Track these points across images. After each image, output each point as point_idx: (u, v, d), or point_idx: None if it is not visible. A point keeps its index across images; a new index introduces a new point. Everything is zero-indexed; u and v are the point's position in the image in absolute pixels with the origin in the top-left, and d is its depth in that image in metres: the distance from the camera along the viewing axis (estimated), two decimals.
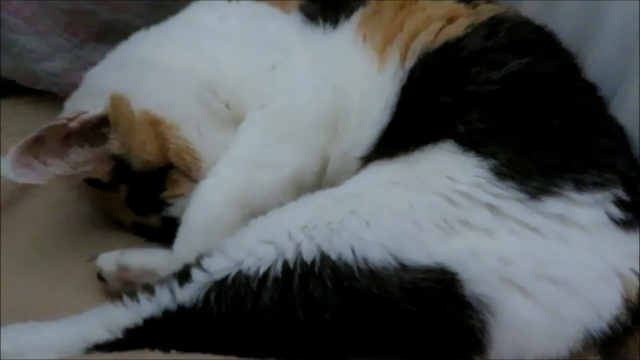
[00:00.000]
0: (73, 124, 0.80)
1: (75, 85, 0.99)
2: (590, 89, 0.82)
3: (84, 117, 0.81)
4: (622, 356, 0.71)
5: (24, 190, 0.93)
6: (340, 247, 0.66)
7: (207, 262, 0.69)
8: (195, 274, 0.68)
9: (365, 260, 0.65)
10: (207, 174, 0.81)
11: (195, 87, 0.86)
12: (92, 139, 0.82)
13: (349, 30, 0.88)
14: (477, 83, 0.76)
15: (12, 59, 1.04)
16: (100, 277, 0.82)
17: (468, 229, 0.68)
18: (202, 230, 0.78)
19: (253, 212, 0.76)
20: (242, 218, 0.76)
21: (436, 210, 0.68)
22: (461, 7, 0.87)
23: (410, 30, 0.84)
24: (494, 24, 0.83)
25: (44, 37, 1.04)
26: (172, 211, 0.84)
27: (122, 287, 0.78)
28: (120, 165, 0.83)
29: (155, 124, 0.83)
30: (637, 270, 0.69)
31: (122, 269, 0.80)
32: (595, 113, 0.79)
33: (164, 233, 0.83)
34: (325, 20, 0.90)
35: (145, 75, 0.87)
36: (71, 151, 0.81)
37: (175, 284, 0.68)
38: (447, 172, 0.70)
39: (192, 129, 0.84)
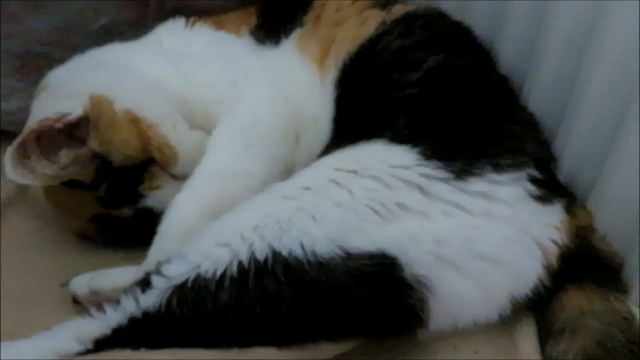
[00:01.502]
0: (58, 125, 0.84)
1: None
2: (503, 81, 0.90)
3: (68, 118, 0.85)
4: (549, 312, 0.79)
5: None
6: (290, 244, 0.71)
7: (165, 268, 0.73)
8: (155, 280, 0.73)
9: (314, 253, 0.70)
10: (182, 187, 0.87)
11: (168, 94, 0.92)
12: (67, 141, 0.86)
13: (288, 46, 0.96)
14: (398, 88, 0.83)
15: None
16: (75, 300, 0.84)
17: (404, 212, 0.73)
18: (176, 238, 0.82)
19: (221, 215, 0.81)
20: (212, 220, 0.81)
21: (373, 194, 0.74)
22: (374, 11, 0.94)
23: (339, 42, 0.91)
24: (409, 20, 0.89)
25: None
26: (148, 202, 0.90)
27: (97, 308, 0.78)
28: (103, 163, 0.86)
29: (136, 122, 0.88)
30: (556, 239, 0.77)
31: (94, 293, 0.83)
32: (507, 103, 0.87)
33: (134, 224, 0.88)
34: (270, 41, 0.98)
35: (125, 78, 0.92)
36: (61, 153, 0.85)
37: (138, 291, 0.72)
38: (381, 156, 0.76)
39: (170, 128, 0.90)
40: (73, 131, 0.86)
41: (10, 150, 0.81)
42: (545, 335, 0.79)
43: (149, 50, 1.00)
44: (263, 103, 0.92)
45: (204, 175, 0.87)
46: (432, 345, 0.77)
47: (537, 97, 0.89)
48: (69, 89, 0.91)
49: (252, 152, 0.89)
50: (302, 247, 0.71)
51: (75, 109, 0.86)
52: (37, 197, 0.95)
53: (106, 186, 0.88)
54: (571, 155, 0.84)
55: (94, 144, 0.86)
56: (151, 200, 0.90)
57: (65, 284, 0.86)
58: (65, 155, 0.85)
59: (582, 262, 0.79)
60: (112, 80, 0.91)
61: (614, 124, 0.77)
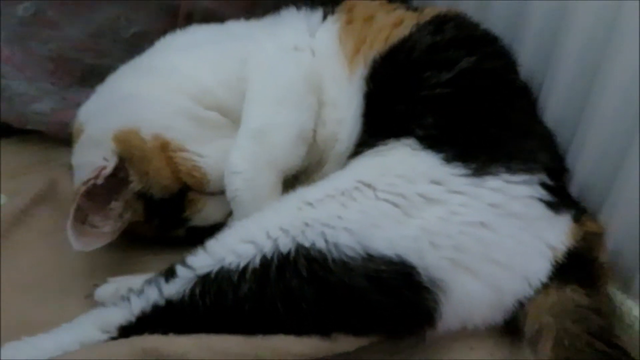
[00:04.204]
0: (99, 181, 0.85)
1: (61, 124, 1.07)
2: (526, 90, 0.92)
3: (106, 171, 0.86)
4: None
5: (19, 219, 0.98)
6: (313, 236, 0.72)
7: (191, 260, 0.75)
8: (180, 270, 0.74)
9: (336, 246, 0.72)
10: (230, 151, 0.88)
11: (184, 107, 0.93)
12: (115, 187, 0.87)
13: (334, 27, 0.98)
14: (429, 87, 0.84)
15: (4, 102, 1.10)
16: None
17: (425, 202, 0.75)
18: (250, 198, 0.86)
19: (283, 171, 0.88)
20: (277, 178, 0.87)
21: (395, 189, 0.76)
22: (408, 13, 0.97)
23: (369, 42, 0.93)
24: (440, 22, 0.92)
25: (32, 82, 1.11)
26: (194, 223, 0.92)
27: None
28: (148, 200, 0.88)
29: (165, 148, 0.88)
30: (564, 242, 0.79)
31: None
32: (527, 114, 0.89)
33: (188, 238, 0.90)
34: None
35: (143, 105, 0.92)
36: (112, 205, 0.87)
37: (162, 280, 0.74)
38: (407, 162, 0.79)
39: (194, 146, 0.90)
40: (116, 177, 0.87)
41: (69, 223, 0.81)
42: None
43: (152, 65, 0.99)
44: (283, 60, 0.94)
45: (246, 134, 0.89)
46: (448, 345, 0.79)
47: (553, 108, 0.90)
48: (97, 135, 0.90)
49: (285, 105, 0.91)
50: (325, 239, 0.72)
51: (108, 156, 0.87)
52: (66, 195, 0.98)
53: (158, 220, 0.91)
54: (584, 166, 0.85)
55: (134, 179, 0.88)
56: (196, 220, 0.92)
57: (90, 295, 0.87)
58: (116, 205, 0.88)
59: (575, 265, 0.79)
60: (131, 110, 0.91)
61: (627, 135, 0.78)
